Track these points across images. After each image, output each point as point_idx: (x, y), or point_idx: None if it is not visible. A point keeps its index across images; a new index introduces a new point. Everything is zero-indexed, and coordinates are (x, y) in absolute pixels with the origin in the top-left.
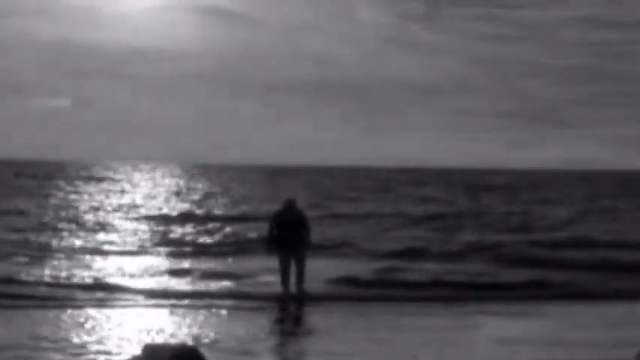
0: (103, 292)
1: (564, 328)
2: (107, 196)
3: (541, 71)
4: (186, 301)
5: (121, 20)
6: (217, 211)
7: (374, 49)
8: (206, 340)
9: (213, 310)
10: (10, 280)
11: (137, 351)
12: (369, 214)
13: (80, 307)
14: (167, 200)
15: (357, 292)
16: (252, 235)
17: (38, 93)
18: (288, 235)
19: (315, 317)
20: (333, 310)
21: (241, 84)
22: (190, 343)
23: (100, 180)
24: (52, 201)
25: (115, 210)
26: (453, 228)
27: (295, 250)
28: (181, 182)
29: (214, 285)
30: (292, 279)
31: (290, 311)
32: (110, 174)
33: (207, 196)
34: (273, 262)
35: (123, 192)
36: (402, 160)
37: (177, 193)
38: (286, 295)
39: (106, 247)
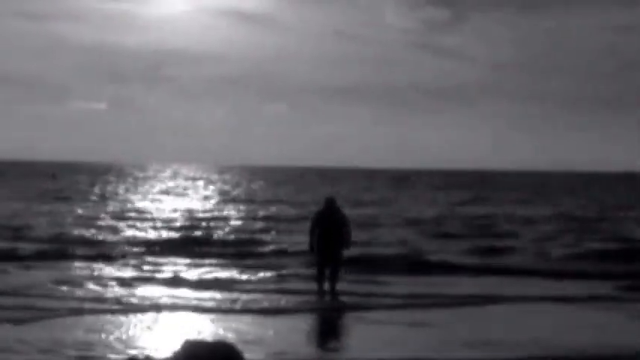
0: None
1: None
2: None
3: (564, 75)
4: (224, 305)
5: (155, 24)
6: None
7: (400, 53)
8: (245, 340)
9: (250, 313)
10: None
11: (177, 348)
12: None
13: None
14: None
15: None
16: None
17: (76, 96)
18: (326, 236)
19: (347, 321)
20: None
21: (271, 87)
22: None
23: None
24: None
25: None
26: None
27: (331, 251)
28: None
29: (249, 287)
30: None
31: (324, 314)
32: (143, 174)
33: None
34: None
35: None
36: (427, 161)
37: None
38: (321, 296)
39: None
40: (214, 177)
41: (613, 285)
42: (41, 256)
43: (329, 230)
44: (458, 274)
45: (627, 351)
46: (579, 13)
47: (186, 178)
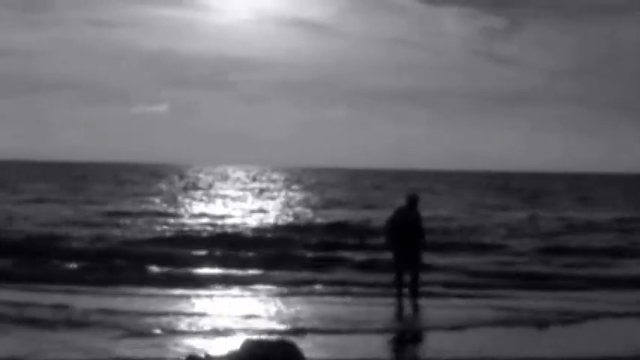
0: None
1: None
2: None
3: (623, 80)
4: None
5: (218, 32)
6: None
7: (458, 60)
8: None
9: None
10: None
11: (237, 346)
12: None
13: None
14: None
15: None
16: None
17: (138, 101)
18: (405, 237)
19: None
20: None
21: (332, 93)
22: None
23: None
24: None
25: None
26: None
27: (408, 254)
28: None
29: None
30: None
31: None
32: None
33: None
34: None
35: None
36: (485, 164)
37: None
38: (399, 296)
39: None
40: (283, 179)
41: None
42: None
43: (407, 230)
44: None
45: None
46: (639, 19)
47: (262, 179)
